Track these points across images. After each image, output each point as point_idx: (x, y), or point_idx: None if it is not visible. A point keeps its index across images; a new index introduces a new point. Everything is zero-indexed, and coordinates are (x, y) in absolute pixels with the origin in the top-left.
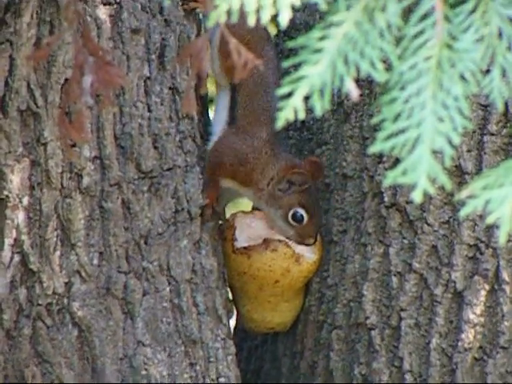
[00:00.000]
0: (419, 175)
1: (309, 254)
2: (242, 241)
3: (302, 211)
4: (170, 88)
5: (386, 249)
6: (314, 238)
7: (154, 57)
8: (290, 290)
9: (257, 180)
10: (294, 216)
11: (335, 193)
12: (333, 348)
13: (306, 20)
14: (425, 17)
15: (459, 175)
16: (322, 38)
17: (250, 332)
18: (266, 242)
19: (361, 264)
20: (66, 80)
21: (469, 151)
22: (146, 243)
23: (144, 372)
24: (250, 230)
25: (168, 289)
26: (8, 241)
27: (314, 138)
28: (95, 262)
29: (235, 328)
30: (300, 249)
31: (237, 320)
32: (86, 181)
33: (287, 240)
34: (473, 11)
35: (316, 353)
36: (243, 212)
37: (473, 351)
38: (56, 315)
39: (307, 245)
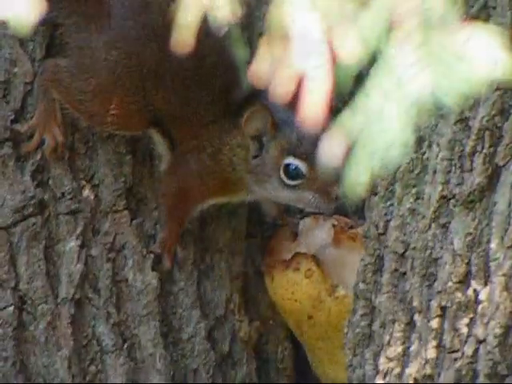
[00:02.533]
0: None
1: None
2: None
3: (293, 161)
4: None
5: None
6: (334, 196)
7: None
8: (335, 330)
9: (231, 175)
10: (287, 171)
11: None
12: None
13: None
14: None
15: None
16: None
17: None
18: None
19: None
20: None
21: None
22: None
23: None
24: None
25: None
26: None
27: None
28: None
29: None
30: (339, 277)
31: None
32: None
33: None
34: None
35: None
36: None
37: None
38: None
39: (329, 212)
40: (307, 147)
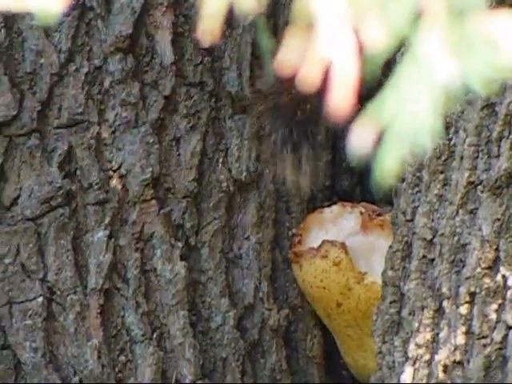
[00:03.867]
0: None
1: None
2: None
3: None
4: None
5: None
6: None
7: None
8: (364, 317)
9: None
10: None
11: None
12: None
13: None
14: None
15: None
16: None
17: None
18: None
19: None
20: None
21: None
22: None
23: None
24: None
25: None
26: None
27: None
28: None
29: None
30: (367, 263)
31: None
32: None
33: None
34: None
35: None
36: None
37: None
38: None
39: None
40: None
